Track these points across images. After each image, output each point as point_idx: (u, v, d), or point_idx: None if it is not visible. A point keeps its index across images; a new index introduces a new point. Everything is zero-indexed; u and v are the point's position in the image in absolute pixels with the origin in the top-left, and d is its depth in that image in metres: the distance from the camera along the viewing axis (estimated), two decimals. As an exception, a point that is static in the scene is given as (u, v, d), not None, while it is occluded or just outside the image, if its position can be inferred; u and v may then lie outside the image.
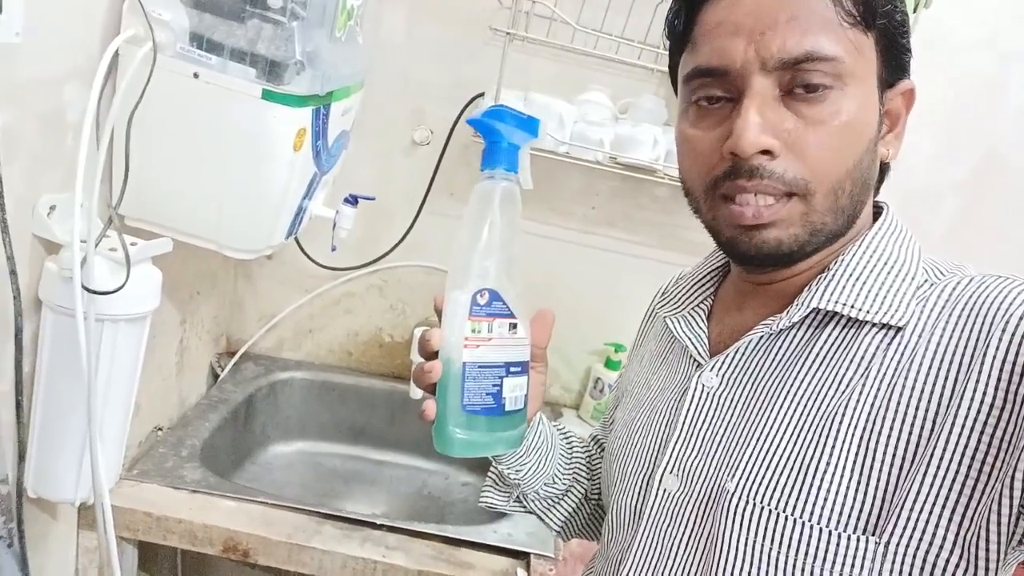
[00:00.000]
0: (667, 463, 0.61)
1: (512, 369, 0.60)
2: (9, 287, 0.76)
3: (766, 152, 0.52)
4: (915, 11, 1.18)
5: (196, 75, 0.86)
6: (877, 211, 0.61)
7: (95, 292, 0.79)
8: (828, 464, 0.52)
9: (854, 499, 0.51)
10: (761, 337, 0.59)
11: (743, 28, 0.52)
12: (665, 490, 0.61)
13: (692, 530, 0.59)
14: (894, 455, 0.50)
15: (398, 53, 1.41)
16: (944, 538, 0.49)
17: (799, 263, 0.58)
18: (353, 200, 1.14)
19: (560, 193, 1.49)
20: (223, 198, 0.93)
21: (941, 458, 0.49)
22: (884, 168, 0.61)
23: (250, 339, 1.57)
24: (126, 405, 0.94)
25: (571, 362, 1.62)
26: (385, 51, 1.39)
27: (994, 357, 0.48)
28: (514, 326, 0.60)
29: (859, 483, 0.51)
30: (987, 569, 0.48)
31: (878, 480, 0.50)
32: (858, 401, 0.52)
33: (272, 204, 0.97)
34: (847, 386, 0.53)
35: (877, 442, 0.51)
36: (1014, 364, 0.47)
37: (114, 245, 0.83)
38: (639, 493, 0.63)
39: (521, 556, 1.12)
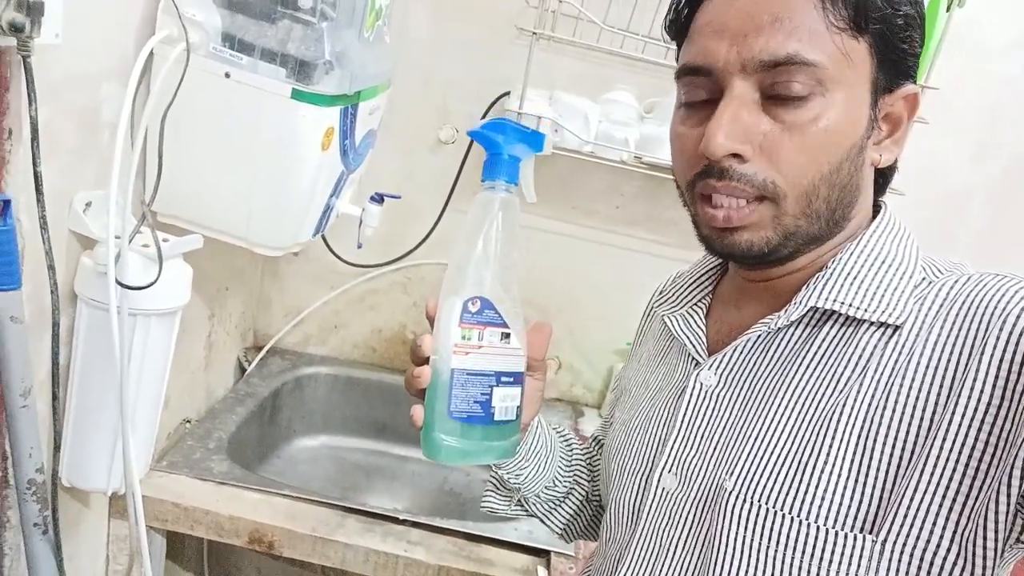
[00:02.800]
0: (666, 462, 0.61)
1: (503, 379, 0.59)
2: (47, 281, 0.78)
3: (737, 155, 0.52)
4: (948, 10, 1.17)
5: (228, 75, 0.88)
6: (876, 210, 0.60)
7: (128, 287, 0.80)
8: (825, 462, 0.52)
9: (851, 497, 0.51)
10: (759, 336, 0.59)
11: (728, 29, 0.52)
12: (664, 488, 0.61)
13: (690, 528, 0.59)
14: (891, 453, 0.50)
15: (424, 52, 1.42)
16: (941, 536, 0.49)
17: (788, 262, 0.57)
18: (379, 198, 1.15)
19: (584, 192, 1.49)
20: (252, 195, 0.95)
21: (938, 456, 0.49)
22: (890, 171, 0.60)
23: (277, 334, 1.59)
24: (156, 397, 0.96)
25: (593, 361, 1.62)
26: (411, 50, 1.40)
27: (991, 355, 0.48)
28: (507, 336, 0.60)
29: (856, 481, 0.51)
30: (984, 567, 0.48)
31: (875, 478, 0.51)
32: (856, 399, 0.52)
33: (300, 202, 0.99)
34: (845, 384, 0.53)
35: (874, 440, 0.51)
36: (1012, 362, 0.48)
37: (147, 241, 0.84)
38: (638, 491, 0.64)
39: (542, 554, 1.13)
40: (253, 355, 1.55)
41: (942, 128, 1.30)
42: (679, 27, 0.58)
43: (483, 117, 1.43)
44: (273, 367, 1.55)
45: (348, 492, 1.46)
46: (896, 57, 0.54)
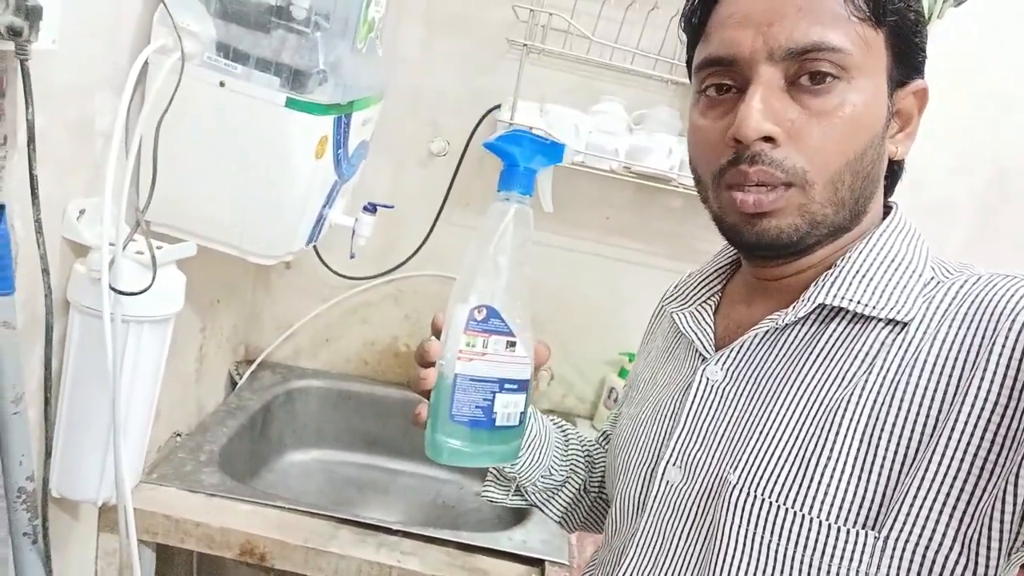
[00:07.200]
0: (670, 455, 0.61)
1: (507, 386, 0.60)
2: (39, 288, 0.78)
3: (769, 139, 0.52)
4: (930, 21, 1.19)
5: (222, 84, 0.89)
6: (887, 210, 0.61)
7: (122, 293, 0.80)
8: (829, 458, 0.52)
9: (854, 493, 0.51)
10: (767, 331, 0.59)
11: (752, 19, 0.53)
12: (668, 482, 0.61)
13: (693, 522, 0.59)
14: (896, 450, 0.50)
15: (416, 66, 1.43)
16: (944, 535, 0.49)
17: (804, 257, 0.58)
18: (372, 208, 1.16)
19: (574, 203, 1.50)
20: (246, 204, 0.95)
21: (943, 455, 0.49)
22: (898, 169, 0.61)
23: (268, 348, 1.58)
24: (148, 407, 0.95)
25: (585, 372, 1.62)
26: (403, 64, 1.42)
27: (1000, 355, 0.48)
28: (512, 344, 0.60)
29: (860, 477, 0.51)
30: (988, 567, 0.48)
31: (879, 475, 0.51)
32: (861, 395, 0.52)
33: (293, 210, 0.99)
34: (851, 380, 0.53)
35: (879, 437, 0.51)
36: (1020, 362, 0.48)
37: (141, 248, 0.84)
38: (643, 485, 0.64)
39: (535, 563, 1.12)
40: (244, 369, 1.54)
41: (929, 135, 1.32)
42: (695, 25, 0.58)
43: (474, 129, 1.45)
44: (264, 381, 1.54)
45: (341, 506, 1.44)
46: (908, 51, 0.55)
